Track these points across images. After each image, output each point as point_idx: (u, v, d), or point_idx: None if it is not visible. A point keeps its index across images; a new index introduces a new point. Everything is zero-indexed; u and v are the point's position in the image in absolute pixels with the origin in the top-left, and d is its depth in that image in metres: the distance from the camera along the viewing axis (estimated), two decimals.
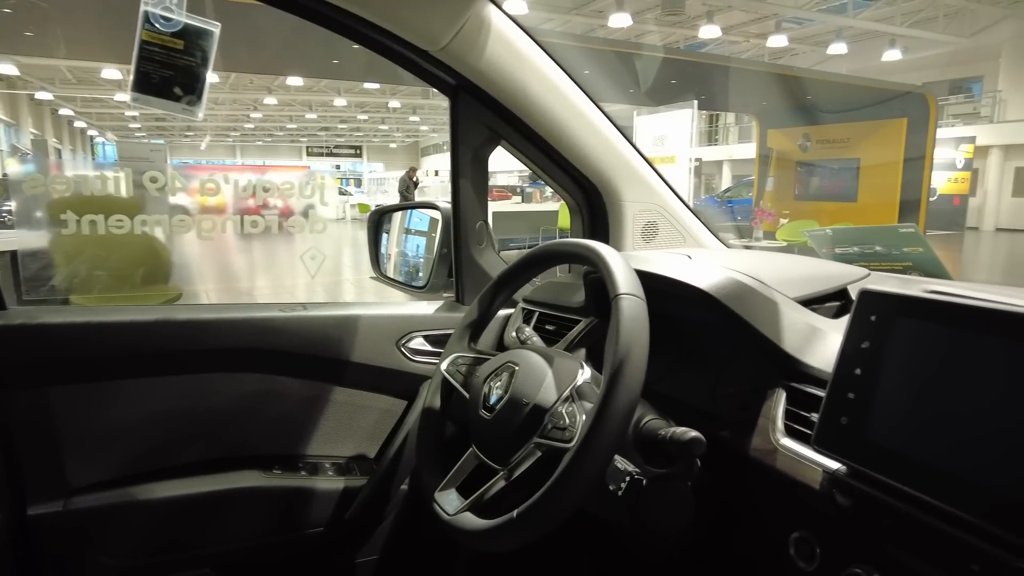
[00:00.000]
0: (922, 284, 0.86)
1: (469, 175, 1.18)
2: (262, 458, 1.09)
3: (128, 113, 23.65)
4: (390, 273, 1.60)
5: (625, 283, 0.70)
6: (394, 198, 15.46)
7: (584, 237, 1.30)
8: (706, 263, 0.86)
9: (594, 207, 1.28)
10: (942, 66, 17.18)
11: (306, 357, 1.10)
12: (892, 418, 0.57)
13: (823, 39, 15.90)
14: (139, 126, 27.06)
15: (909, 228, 1.05)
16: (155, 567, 1.01)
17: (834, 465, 0.62)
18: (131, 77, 0.91)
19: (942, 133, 15.32)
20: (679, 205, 1.30)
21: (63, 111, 22.83)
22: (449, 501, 0.77)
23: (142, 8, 0.88)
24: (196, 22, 0.92)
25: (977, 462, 0.51)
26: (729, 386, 0.83)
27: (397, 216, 1.66)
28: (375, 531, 1.15)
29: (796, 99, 12.26)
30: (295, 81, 18.00)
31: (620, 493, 0.69)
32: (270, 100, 21.94)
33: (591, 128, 1.16)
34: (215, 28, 0.93)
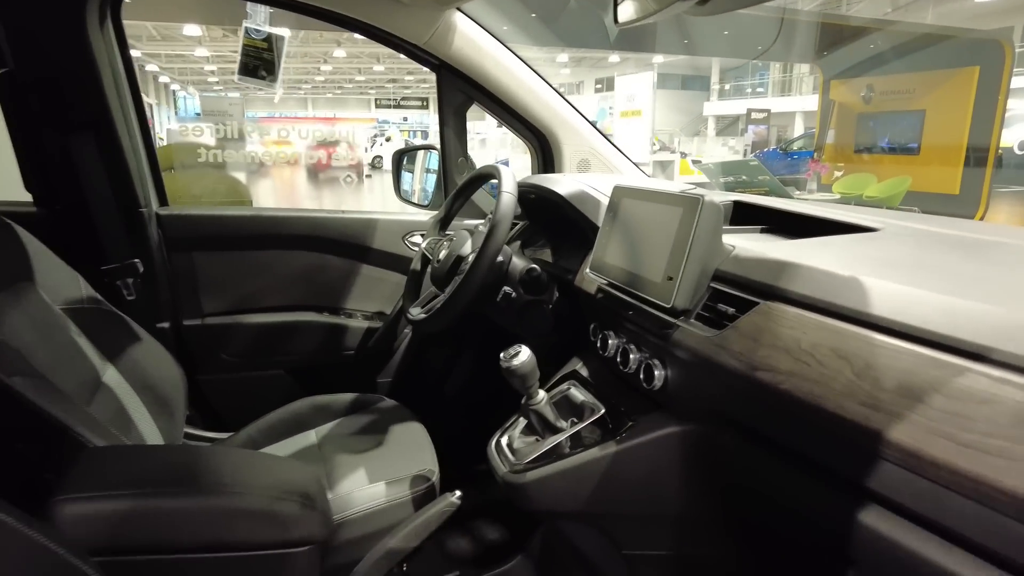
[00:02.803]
0: (749, 199, 1.38)
1: (451, 125, 1.74)
2: (316, 306, 1.72)
3: (207, 68, 25.03)
4: (412, 199, 2.20)
5: (507, 186, 1.25)
6: None
7: (539, 171, 1.87)
8: (570, 180, 1.39)
9: (545, 149, 1.82)
10: None
11: (344, 243, 1.71)
12: (610, 245, 1.11)
13: None
14: (217, 80, 28.52)
15: (754, 161, 1.51)
16: (252, 364, 1.67)
17: (599, 279, 1.16)
18: (237, 65, 1.51)
19: None
20: (607, 147, 1.82)
21: (149, 67, 24.35)
22: (414, 312, 1.37)
23: (244, 24, 1.47)
24: (275, 30, 1.50)
25: (644, 264, 1.04)
26: (586, 253, 1.38)
27: (420, 156, 2.24)
28: (389, 361, 1.77)
29: (858, 49, 11.96)
30: None
31: (504, 304, 1.27)
32: (339, 53, 22.74)
33: (534, 94, 1.69)
34: (286, 33, 1.51)
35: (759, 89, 25.02)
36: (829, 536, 0.73)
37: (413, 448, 1.32)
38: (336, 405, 1.49)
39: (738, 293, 0.87)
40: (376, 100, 35.72)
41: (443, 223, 1.51)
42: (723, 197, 1.41)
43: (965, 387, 0.59)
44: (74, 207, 1.42)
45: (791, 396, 0.72)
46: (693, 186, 1.45)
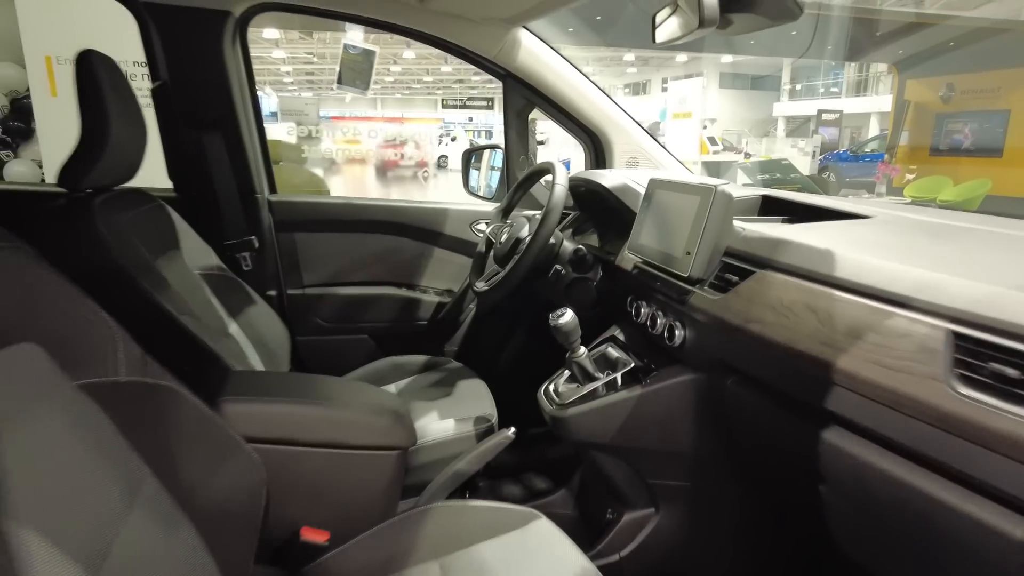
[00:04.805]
0: (775, 193, 1.56)
1: (514, 126, 1.98)
2: (395, 282, 2.00)
3: (283, 68, 26.25)
4: (479, 192, 2.46)
5: (560, 179, 1.47)
6: None
7: (591, 168, 2.09)
8: (615, 174, 1.60)
9: (597, 148, 2.03)
10: None
11: (420, 229, 1.98)
12: (643, 228, 1.32)
13: None
14: (292, 80, 29.84)
15: (785, 160, 1.67)
16: (342, 329, 1.96)
17: (635, 258, 1.37)
18: (337, 75, 1.80)
19: None
20: (654, 146, 2.02)
21: None
22: (479, 285, 1.61)
23: (343, 41, 1.76)
24: (367, 46, 1.78)
25: (670, 243, 1.24)
26: (627, 238, 1.59)
27: (485, 155, 2.50)
28: (456, 332, 2.03)
29: (937, 46, 11.56)
30: None
31: (555, 279, 1.50)
32: (408, 54, 23.41)
33: (588, 99, 1.91)
34: (376, 49, 1.79)
35: (832, 89, 24.30)
36: (804, 460, 0.93)
37: (476, 398, 1.57)
38: (411, 365, 1.76)
39: (742, 264, 1.08)
40: (443, 100, 36.45)
41: (505, 212, 1.76)
42: (753, 191, 1.60)
43: (891, 326, 0.78)
44: (204, 193, 1.73)
45: (773, 341, 0.93)
46: (726, 181, 1.64)
